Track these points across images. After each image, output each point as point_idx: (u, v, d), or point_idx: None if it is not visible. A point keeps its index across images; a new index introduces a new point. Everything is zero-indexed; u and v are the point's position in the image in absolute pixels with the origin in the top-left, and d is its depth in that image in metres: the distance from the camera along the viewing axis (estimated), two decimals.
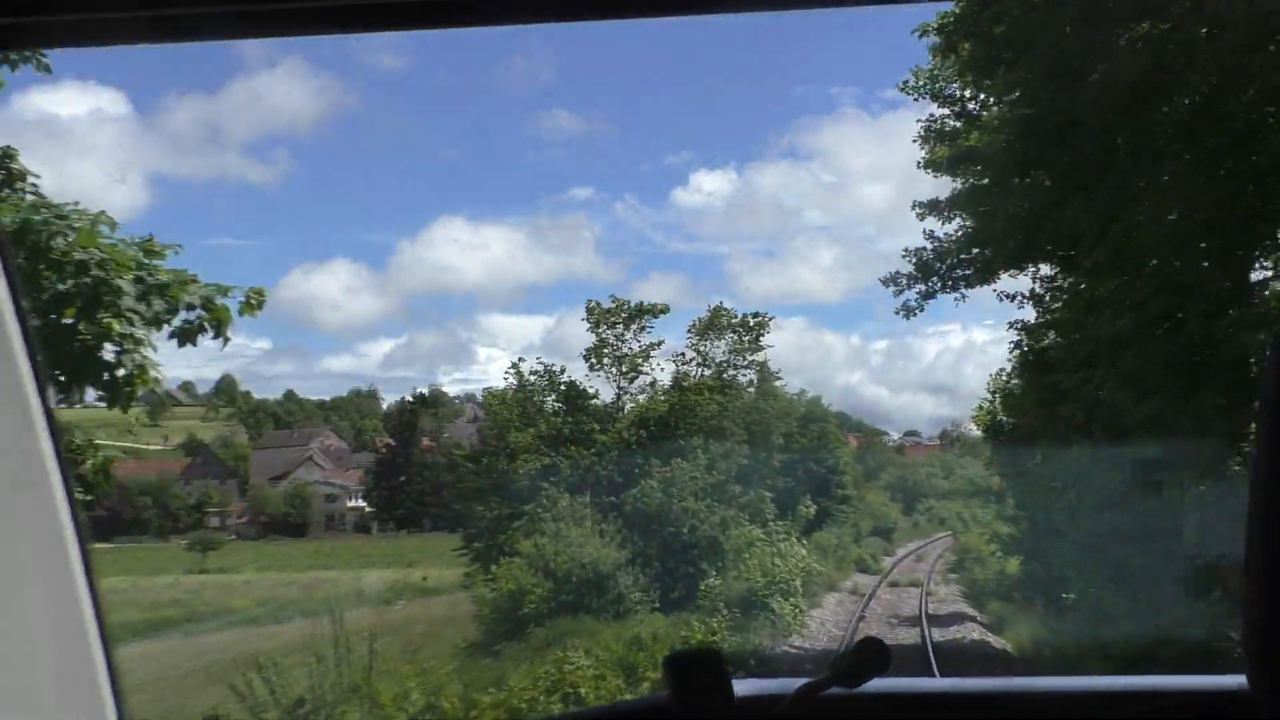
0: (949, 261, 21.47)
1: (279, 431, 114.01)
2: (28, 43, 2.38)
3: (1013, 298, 22.06)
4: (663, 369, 32.78)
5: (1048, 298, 21.85)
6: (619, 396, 32.41)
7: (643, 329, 32.22)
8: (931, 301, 21.93)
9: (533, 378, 31.86)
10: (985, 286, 22.03)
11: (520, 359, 30.90)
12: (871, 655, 1.61)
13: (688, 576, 29.00)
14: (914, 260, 21.27)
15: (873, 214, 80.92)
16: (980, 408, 30.18)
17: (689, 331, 33.01)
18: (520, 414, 31.05)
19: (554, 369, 31.83)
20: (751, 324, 32.98)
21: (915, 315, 22.02)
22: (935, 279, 21.50)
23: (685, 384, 32.55)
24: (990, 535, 40.60)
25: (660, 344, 32.52)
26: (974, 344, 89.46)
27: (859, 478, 57.93)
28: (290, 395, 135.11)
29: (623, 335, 32.20)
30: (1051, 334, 22.50)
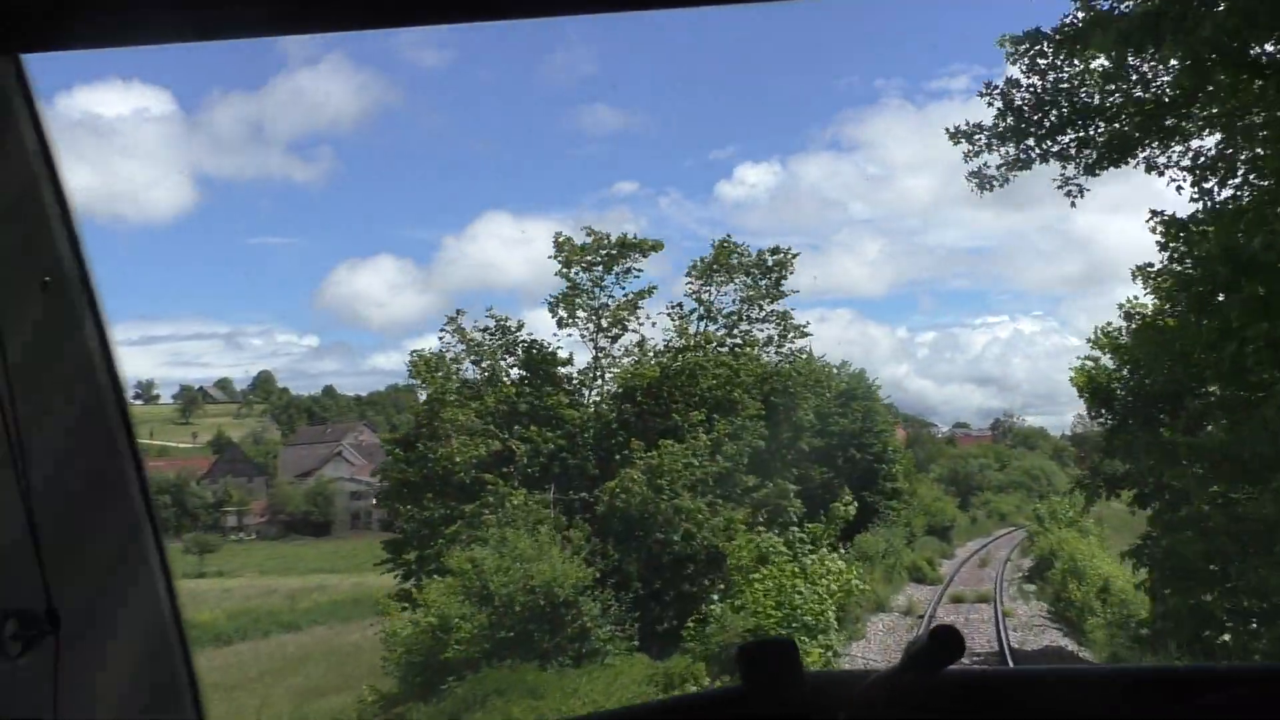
0: (1059, 113, 13.01)
1: (312, 427, 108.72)
2: (71, 43, 1.56)
3: (1163, 169, 13.42)
4: (654, 323, 24.60)
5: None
6: (597, 360, 24.28)
7: (628, 272, 24.07)
8: (1023, 174, 13.45)
9: (480, 335, 23.80)
10: (1122, 163, 13.51)
11: (460, 311, 23.02)
12: (945, 644, 1.54)
13: (681, 601, 20.82)
14: (1000, 103, 12.76)
15: (917, 207, 77.19)
16: (1081, 366, 21.58)
17: (689, 274, 24.76)
18: (459, 385, 23.06)
19: (508, 323, 23.75)
20: (770, 262, 24.62)
21: (992, 189, 13.51)
22: (1032, 140, 13.01)
23: (684, 342, 24.30)
24: (1088, 537, 32.05)
25: (652, 291, 24.34)
26: (1022, 334, 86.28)
27: (910, 469, 50.03)
28: (328, 391, 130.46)
29: (601, 279, 24.05)
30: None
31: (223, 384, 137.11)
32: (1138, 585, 22.64)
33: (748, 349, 24.57)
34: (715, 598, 19.13)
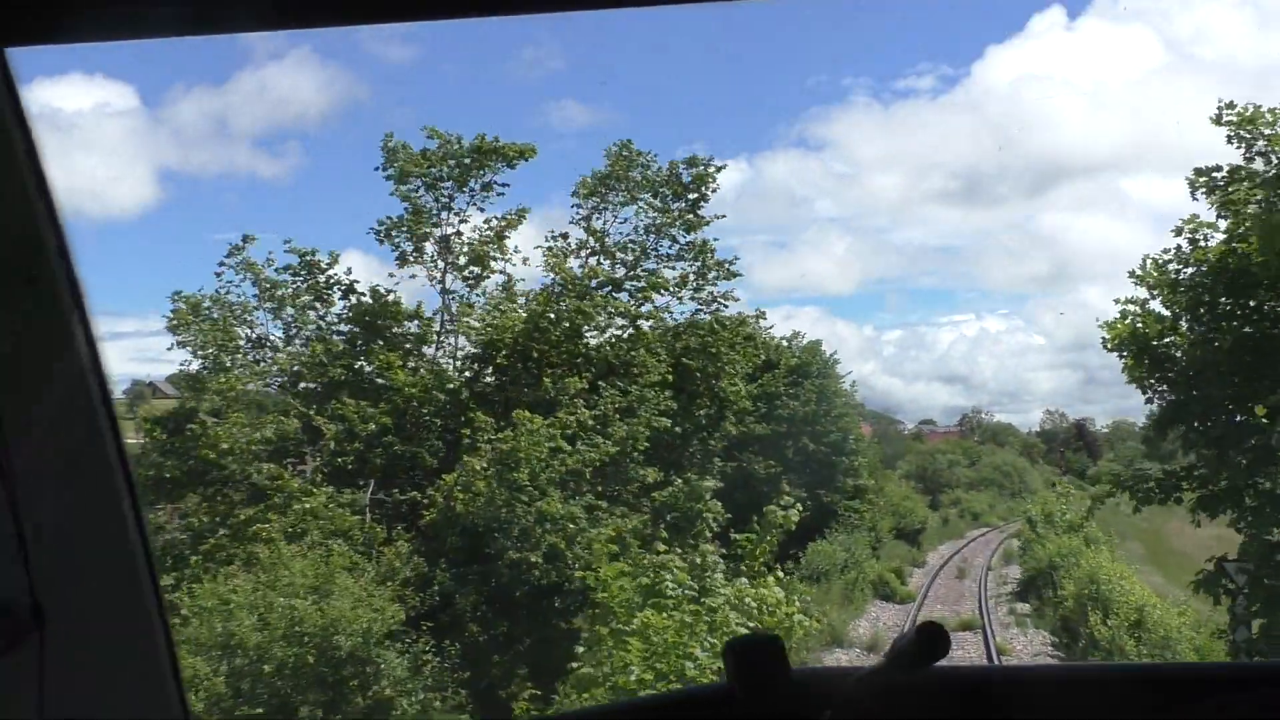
0: None
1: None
2: (58, 37, 1.55)
3: None
4: (525, 260, 17.66)
5: None
6: (445, 307, 17.29)
7: (488, 188, 17.14)
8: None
9: (281, 275, 16.71)
10: None
11: (248, 237, 15.96)
12: (932, 640, 1.54)
13: (539, 651, 13.91)
14: None
15: (885, 205, 78.15)
16: (1122, 314, 14.92)
17: (575, 195, 17.79)
18: (226, 340, 16.00)
19: (316, 259, 16.69)
20: (686, 177, 17.77)
21: None
22: None
23: (563, 285, 17.37)
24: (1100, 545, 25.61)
25: (523, 216, 17.40)
26: (988, 333, 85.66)
27: (876, 464, 43.95)
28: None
29: (452, 199, 17.11)
30: None
31: (175, 379, 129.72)
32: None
33: (652, 293, 17.69)
34: (581, 650, 12.23)
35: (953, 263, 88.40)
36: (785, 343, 29.64)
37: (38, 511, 1.54)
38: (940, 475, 73.19)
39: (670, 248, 17.73)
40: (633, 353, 16.57)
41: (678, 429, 16.73)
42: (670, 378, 16.81)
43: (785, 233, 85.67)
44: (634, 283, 17.66)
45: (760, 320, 21.44)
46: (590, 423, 15.22)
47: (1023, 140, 68.23)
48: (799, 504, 15.88)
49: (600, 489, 14.94)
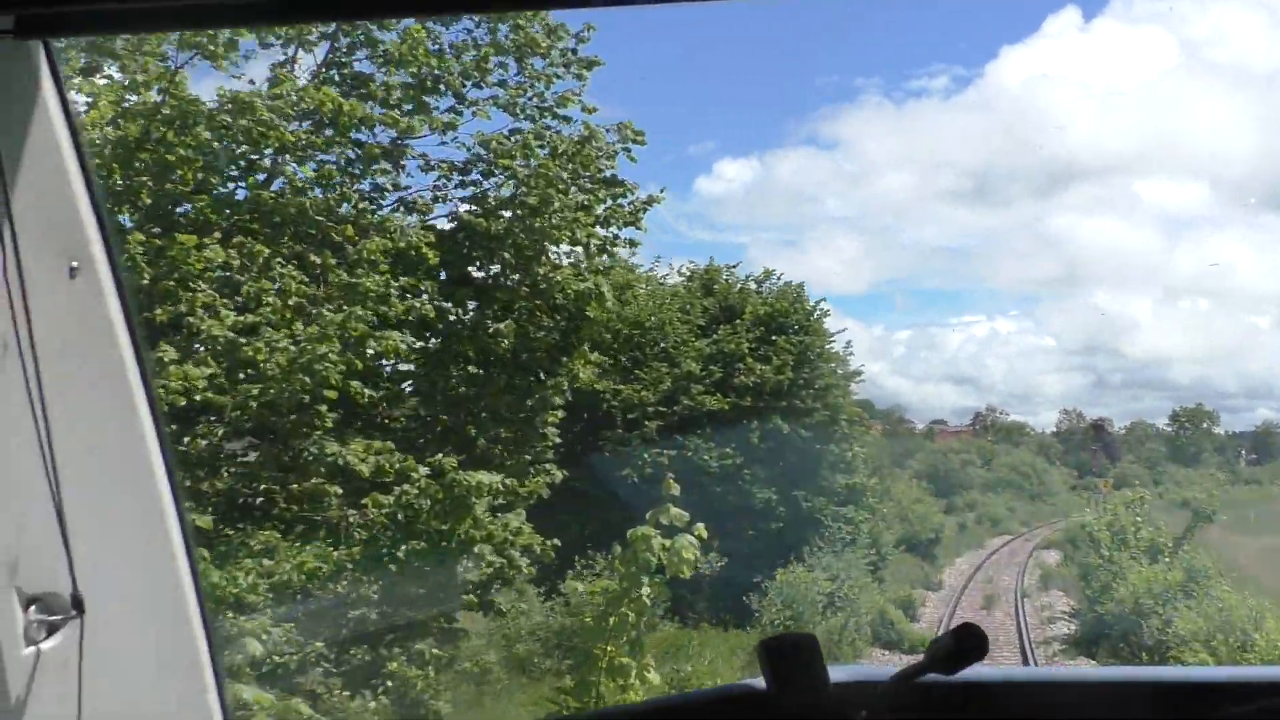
0: None
1: None
2: (99, 30, 2.17)
3: None
4: None
5: None
6: None
7: None
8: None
9: None
10: None
11: None
12: (969, 642, 1.52)
13: None
14: None
15: (894, 204, 74.64)
16: None
17: None
18: None
19: None
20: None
21: None
22: None
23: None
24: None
25: None
26: (998, 334, 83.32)
27: (883, 462, 36.05)
28: None
29: None
30: None
31: None
32: None
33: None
34: None
35: (963, 263, 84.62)
36: (754, 286, 21.04)
37: (79, 502, 1.51)
38: (953, 476, 66.99)
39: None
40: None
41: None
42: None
43: (794, 231, 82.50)
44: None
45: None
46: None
47: (1036, 140, 64.31)
48: (703, 527, 7.44)
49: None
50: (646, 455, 18.58)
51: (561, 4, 3.11)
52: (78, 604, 1.50)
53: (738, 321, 19.84)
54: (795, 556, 18.80)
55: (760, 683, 1.56)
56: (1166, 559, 18.59)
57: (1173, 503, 64.73)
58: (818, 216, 78.47)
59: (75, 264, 1.52)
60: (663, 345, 19.36)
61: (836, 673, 1.58)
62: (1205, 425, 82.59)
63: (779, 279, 21.30)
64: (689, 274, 21.41)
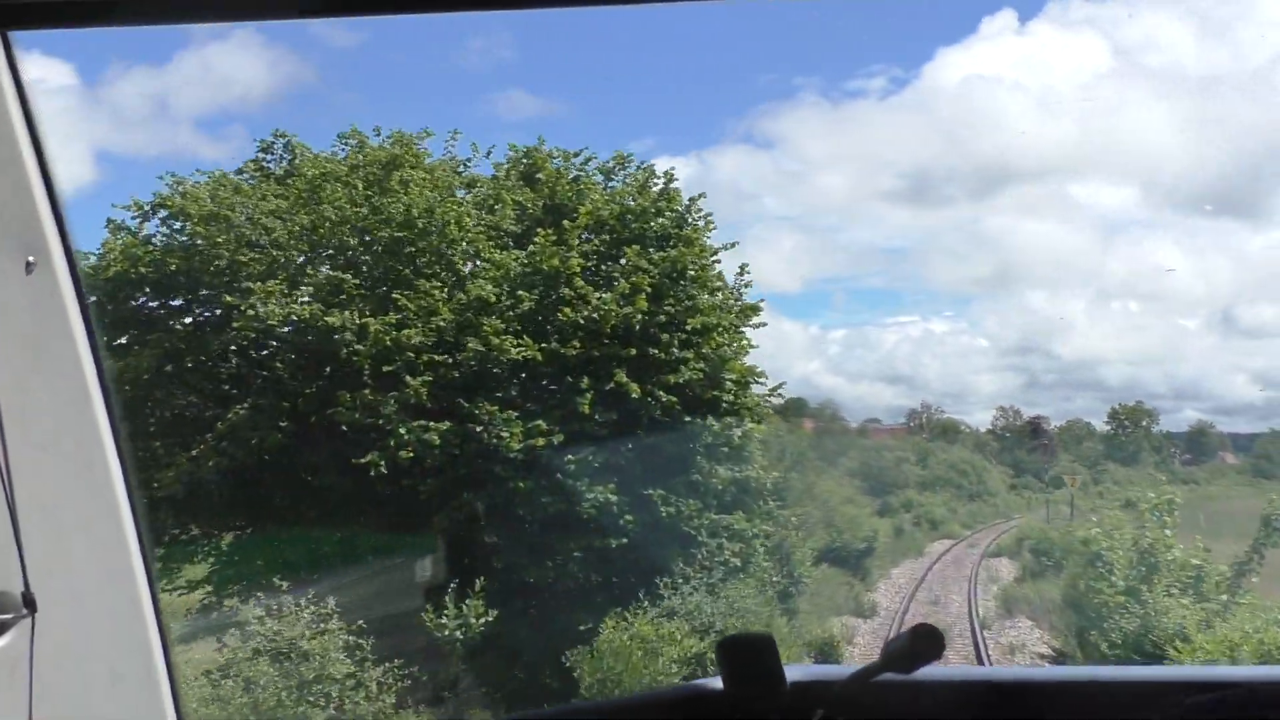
0: None
1: None
2: (58, 21, 1.50)
3: None
4: None
5: None
6: None
7: None
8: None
9: None
10: None
11: None
12: (925, 642, 1.51)
13: None
14: None
15: (833, 204, 67.05)
16: None
17: None
18: None
19: None
20: None
21: None
22: None
23: None
24: None
25: None
26: (933, 334, 77.84)
27: (805, 454, 29.97)
28: None
29: None
30: None
31: None
32: None
33: None
34: None
35: (900, 263, 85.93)
36: (599, 177, 13.58)
37: (33, 501, 1.45)
38: (888, 474, 62.02)
39: None
40: None
41: None
42: None
43: (733, 230, 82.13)
44: None
45: None
46: None
47: (971, 140, 60.30)
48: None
49: None
50: (405, 431, 11.04)
51: (512, 4, 1.81)
52: (29, 602, 1.44)
53: (566, 224, 12.37)
54: (644, 594, 11.42)
55: (717, 682, 1.55)
56: (1222, 596, 11.63)
57: (1116, 502, 60.58)
58: (756, 215, 78.96)
59: (32, 259, 1.48)
60: (444, 254, 11.86)
61: (793, 672, 1.56)
62: (1145, 424, 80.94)
63: (637, 167, 13.85)
64: (505, 162, 13.86)
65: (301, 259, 12.29)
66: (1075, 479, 33.61)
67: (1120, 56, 66.87)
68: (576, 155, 14.13)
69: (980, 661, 17.32)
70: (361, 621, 10.21)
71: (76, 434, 1.52)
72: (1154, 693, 1.63)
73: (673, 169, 14.27)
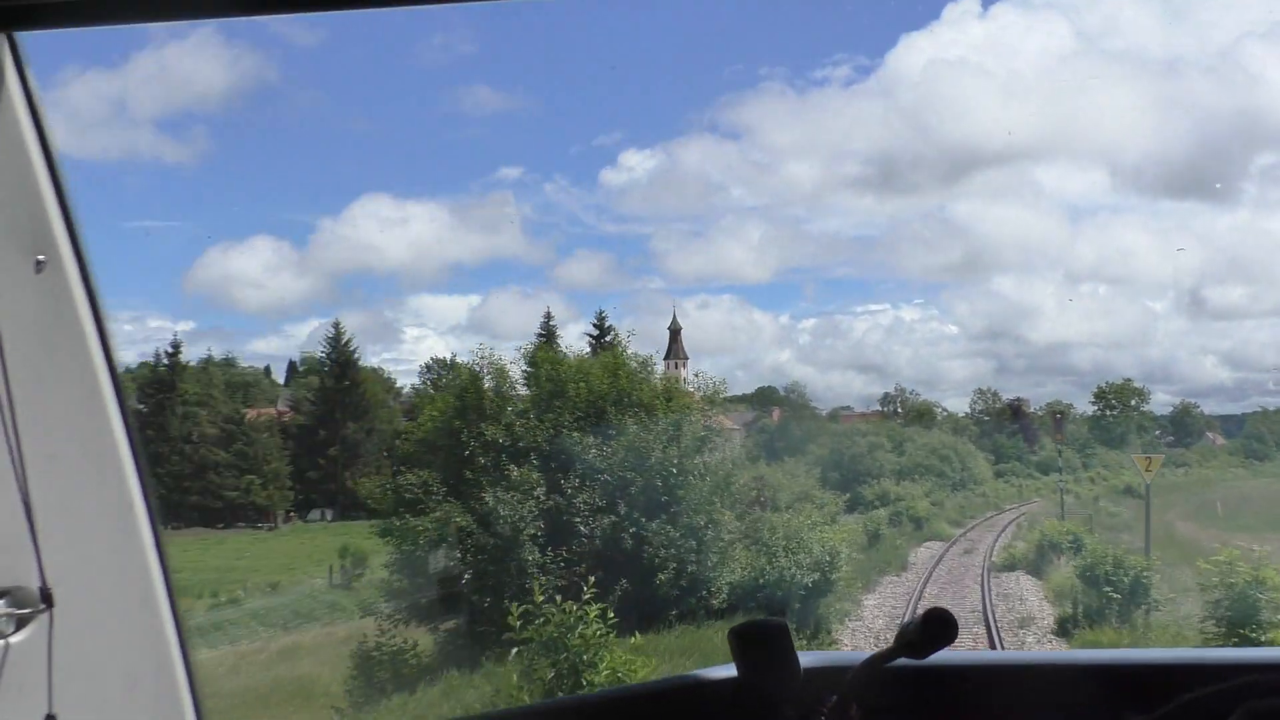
0: None
1: None
2: (66, 21, 1.49)
3: None
4: None
5: None
6: None
7: None
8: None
9: None
10: None
11: None
12: (938, 626, 1.52)
13: None
14: None
15: (800, 193, 70.09)
16: None
17: None
18: None
19: None
20: None
21: None
22: None
23: None
24: None
25: None
26: (903, 322, 77.64)
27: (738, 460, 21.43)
28: None
29: None
30: None
31: None
32: None
33: None
34: None
35: (869, 252, 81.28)
36: None
37: (48, 495, 1.47)
38: (860, 462, 53.89)
39: None
40: None
41: None
42: None
43: (700, 221, 79.84)
44: None
45: None
46: None
47: (937, 126, 62.15)
48: None
49: None
50: None
51: None
52: (46, 597, 1.45)
53: None
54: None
55: (732, 669, 1.58)
56: None
57: (1114, 489, 48.04)
58: (724, 206, 74.51)
59: (42, 258, 1.49)
60: None
61: (807, 658, 1.59)
62: (1134, 403, 73.89)
63: None
64: None
65: None
66: (1150, 460, 24.14)
67: (1084, 40, 69.04)
68: None
69: (994, 646, 16.13)
70: None
71: (89, 430, 1.52)
72: (1176, 677, 1.56)
73: None
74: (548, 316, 48.28)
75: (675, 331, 77.69)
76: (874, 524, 33.97)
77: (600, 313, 58.24)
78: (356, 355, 50.93)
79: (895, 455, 55.68)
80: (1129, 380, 75.71)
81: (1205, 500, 48.84)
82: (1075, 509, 46.09)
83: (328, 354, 51.69)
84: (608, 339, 57.54)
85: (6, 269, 1.46)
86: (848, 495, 44.10)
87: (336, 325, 50.59)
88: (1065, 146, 67.12)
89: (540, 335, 56.58)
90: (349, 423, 51.25)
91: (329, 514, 51.25)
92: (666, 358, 77.55)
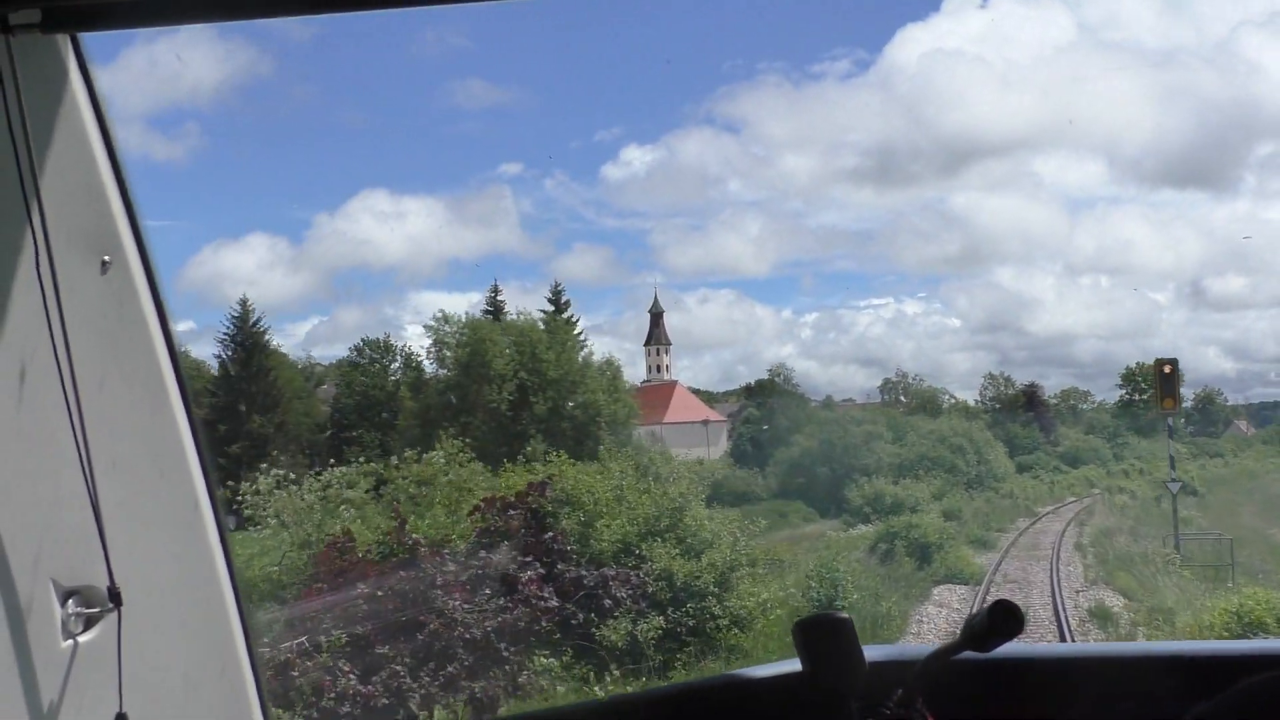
0: None
1: None
2: (127, 22, 1.53)
3: None
4: None
5: None
6: None
7: None
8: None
9: None
10: None
11: None
12: (1004, 619, 1.46)
13: None
14: None
15: (798, 186, 74.61)
16: None
17: None
18: None
19: None
20: None
21: None
22: None
23: None
24: None
25: None
26: (905, 315, 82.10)
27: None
28: None
29: None
30: None
31: None
32: None
33: None
34: None
35: (868, 245, 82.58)
36: None
37: (114, 495, 1.45)
38: (854, 455, 45.37)
39: None
40: None
41: None
42: None
43: (699, 215, 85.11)
44: None
45: None
46: None
47: (935, 118, 63.93)
48: None
49: None
50: None
51: None
52: (115, 597, 1.44)
53: None
54: None
55: (796, 664, 1.57)
56: None
57: (1152, 482, 41.93)
58: (723, 200, 77.40)
59: (107, 258, 1.49)
60: None
61: (872, 652, 1.57)
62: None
63: None
64: None
65: None
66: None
67: (1083, 31, 69.64)
68: None
69: (1063, 638, 15.55)
70: None
71: (155, 430, 1.51)
72: (1234, 667, 1.52)
73: None
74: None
75: (657, 315, 70.49)
76: (852, 547, 24.80)
77: (556, 284, 50.75)
78: (267, 337, 42.76)
79: (895, 447, 47.26)
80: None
81: (1270, 496, 41.21)
82: (1130, 508, 37.22)
83: (230, 334, 43.03)
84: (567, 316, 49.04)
85: (73, 269, 1.44)
86: (830, 500, 36.11)
87: (244, 302, 42.33)
88: (1064, 137, 67.33)
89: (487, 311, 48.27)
90: (255, 415, 42.67)
91: (230, 522, 42.45)
92: (647, 344, 70.08)
